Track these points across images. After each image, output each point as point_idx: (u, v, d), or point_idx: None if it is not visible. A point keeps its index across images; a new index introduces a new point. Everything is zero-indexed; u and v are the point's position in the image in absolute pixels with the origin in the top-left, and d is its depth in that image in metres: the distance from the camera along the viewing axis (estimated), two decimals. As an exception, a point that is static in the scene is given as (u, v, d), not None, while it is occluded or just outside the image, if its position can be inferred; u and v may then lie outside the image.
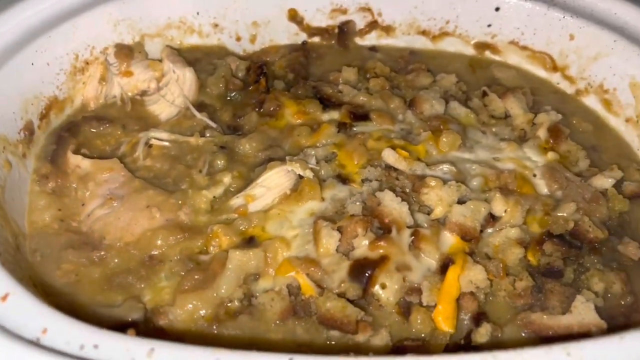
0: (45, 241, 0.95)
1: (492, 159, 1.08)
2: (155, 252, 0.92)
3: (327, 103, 1.17)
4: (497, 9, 1.27)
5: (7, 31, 1.04)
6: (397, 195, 0.95)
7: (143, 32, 1.22)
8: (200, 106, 1.17)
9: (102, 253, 0.93)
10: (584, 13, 1.21)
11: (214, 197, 1.00)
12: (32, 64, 1.04)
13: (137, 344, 0.66)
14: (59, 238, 0.95)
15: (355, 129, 1.11)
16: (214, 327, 0.85)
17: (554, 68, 1.27)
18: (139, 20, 1.21)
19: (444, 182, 0.99)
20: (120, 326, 0.79)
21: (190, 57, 1.26)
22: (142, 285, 0.89)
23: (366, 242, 0.90)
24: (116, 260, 0.92)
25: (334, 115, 1.14)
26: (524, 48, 1.29)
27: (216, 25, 1.28)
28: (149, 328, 0.84)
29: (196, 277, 0.89)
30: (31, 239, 0.95)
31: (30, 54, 1.03)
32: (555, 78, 1.28)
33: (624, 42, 1.16)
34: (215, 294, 0.87)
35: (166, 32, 1.25)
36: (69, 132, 1.08)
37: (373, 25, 1.32)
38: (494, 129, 1.13)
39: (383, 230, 0.93)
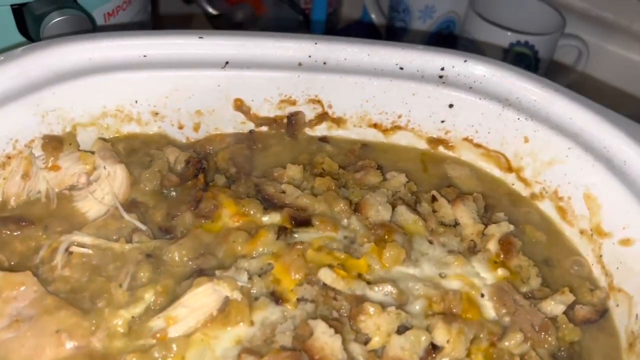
0: (-63, 371, 0.85)
1: (438, 275, 1.01)
2: (59, 388, 0.83)
3: (268, 203, 1.11)
4: (450, 106, 1.23)
5: None
6: (331, 325, 0.88)
7: (75, 121, 1.15)
8: (131, 204, 1.10)
9: (0, 387, 0.84)
10: (539, 116, 1.17)
11: (133, 317, 0.92)
12: (-58, 165, 0.96)
13: None
14: (-45, 367, 0.86)
15: (295, 235, 1.04)
16: None
17: (509, 169, 1.23)
18: (70, 109, 1.13)
19: (384, 306, 0.92)
20: None
21: (127, 146, 1.19)
22: None
23: (292, 382, 0.82)
24: (14, 398, 0.83)
25: (275, 217, 1.07)
26: (478, 146, 1.25)
27: (156, 114, 1.21)
28: None
29: (101, 420, 0.80)
30: None
31: (-61, 155, 0.95)
32: (510, 178, 1.23)
33: (579, 150, 1.11)
34: None
35: (101, 121, 1.18)
36: (-19, 237, 0.99)
37: (323, 116, 1.26)
38: (442, 239, 1.07)
39: (313, 366, 0.85)
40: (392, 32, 2.20)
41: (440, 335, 0.90)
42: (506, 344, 0.92)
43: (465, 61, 1.22)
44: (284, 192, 1.13)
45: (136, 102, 1.18)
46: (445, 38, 2.11)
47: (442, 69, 1.23)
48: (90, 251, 1.00)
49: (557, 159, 1.14)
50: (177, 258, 1.00)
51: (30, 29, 1.36)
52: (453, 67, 1.23)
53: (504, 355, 0.90)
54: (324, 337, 0.86)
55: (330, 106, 1.25)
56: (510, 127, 1.19)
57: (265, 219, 1.08)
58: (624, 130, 1.09)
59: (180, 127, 1.24)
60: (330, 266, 0.96)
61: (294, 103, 1.24)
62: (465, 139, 1.25)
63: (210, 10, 2.05)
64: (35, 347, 0.86)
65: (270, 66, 1.20)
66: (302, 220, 1.06)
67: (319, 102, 1.24)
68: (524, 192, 1.21)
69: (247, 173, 1.19)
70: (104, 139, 1.16)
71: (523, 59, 1.89)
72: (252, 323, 0.91)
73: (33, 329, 0.88)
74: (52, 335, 0.88)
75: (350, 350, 0.88)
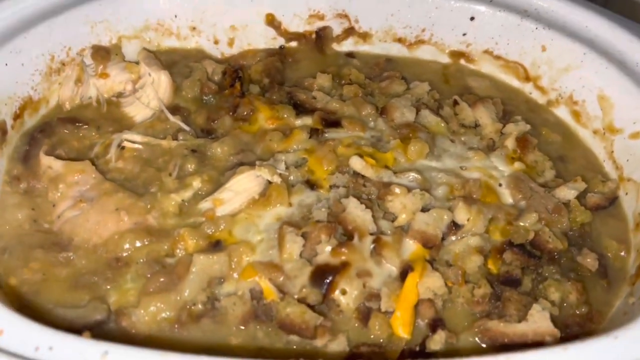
0: (15, 240, 0.96)
1: (459, 168, 1.10)
2: (122, 255, 0.94)
3: (300, 109, 1.19)
4: (472, 19, 1.29)
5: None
6: (362, 203, 0.97)
7: (120, 33, 1.24)
8: (174, 109, 1.19)
9: (70, 254, 0.94)
10: (556, 25, 1.23)
11: (183, 200, 1.02)
12: (6, 64, 1.05)
13: (92, 346, 0.67)
14: (30, 238, 0.96)
15: (326, 135, 1.13)
16: (176, 330, 0.87)
17: (527, 78, 1.29)
18: (116, 22, 1.22)
19: (409, 190, 1.01)
20: (84, 327, 0.81)
21: (168, 59, 1.28)
22: (108, 287, 0.91)
23: (329, 248, 0.92)
24: (83, 262, 0.94)
25: (307, 121, 1.16)
26: (498, 57, 1.31)
27: (194, 28, 1.29)
28: (112, 329, 0.86)
29: (161, 279, 0.90)
30: (1, 238, 0.96)
31: (4, 54, 1.04)
32: (527, 88, 1.30)
33: (594, 54, 1.17)
34: (178, 297, 0.88)
35: (144, 34, 1.26)
36: (43, 133, 1.09)
37: (350, 31, 1.33)
38: (463, 138, 1.15)
39: (346, 236, 0.95)
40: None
41: (461, 214, 0.98)
42: (521, 223, 1.01)
43: (486, -25, 1.28)
44: (314, 98, 1.21)
45: (175, 16, 1.27)
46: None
47: (464, -17, 1.29)
48: (140, 146, 1.10)
49: (572, 65, 1.21)
50: (219, 153, 1.10)
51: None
52: (474, -19, 1.29)
53: (519, 231, 0.99)
54: (356, 211, 0.95)
55: (357, 21, 1.32)
56: (529, 37, 1.25)
57: (298, 122, 1.16)
58: (637, 35, 1.15)
59: (216, 42, 1.32)
60: (360, 155, 1.05)
61: (322, 18, 1.31)
62: (486, 52, 1.32)
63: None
64: (98, 222, 0.97)
65: (300, -19, 1.28)
66: (332, 122, 1.15)
67: (346, 16, 1.31)
68: (541, 99, 1.28)
69: (280, 83, 1.27)
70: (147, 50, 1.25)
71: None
72: (290, 204, 1.01)
73: (95, 208, 0.99)
74: (112, 212, 0.98)
75: (379, 225, 0.97)
